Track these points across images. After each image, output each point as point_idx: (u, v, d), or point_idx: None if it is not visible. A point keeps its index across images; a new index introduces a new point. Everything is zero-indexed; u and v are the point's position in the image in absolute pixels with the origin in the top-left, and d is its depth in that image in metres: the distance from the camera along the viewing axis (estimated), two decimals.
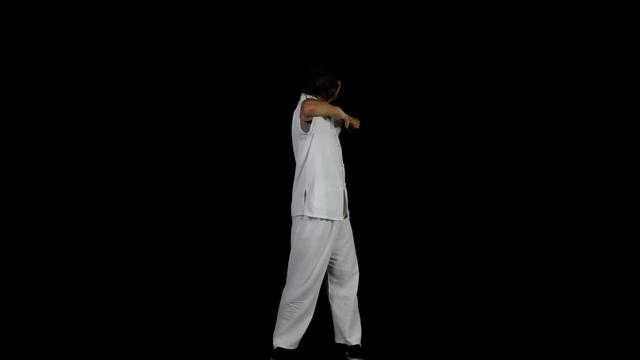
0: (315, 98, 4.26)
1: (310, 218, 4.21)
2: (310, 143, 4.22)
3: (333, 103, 4.44)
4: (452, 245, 5.75)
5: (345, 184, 4.34)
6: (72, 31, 5.61)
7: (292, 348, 4.30)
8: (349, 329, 4.40)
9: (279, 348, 4.30)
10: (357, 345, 4.41)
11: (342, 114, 4.23)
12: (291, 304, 4.25)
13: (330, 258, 4.32)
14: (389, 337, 4.95)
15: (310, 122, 4.20)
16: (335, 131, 4.37)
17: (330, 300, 4.39)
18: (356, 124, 4.31)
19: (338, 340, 4.42)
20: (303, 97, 4.33)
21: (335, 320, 4.40)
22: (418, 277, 5.68)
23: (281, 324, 4.29)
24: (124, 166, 5.70)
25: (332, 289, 4.37)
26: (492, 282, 5.64)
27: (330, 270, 4.35)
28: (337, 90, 4.35)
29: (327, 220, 4.21)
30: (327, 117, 4.29)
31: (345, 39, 5.64)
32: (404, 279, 5.67)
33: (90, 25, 5.62)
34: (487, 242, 5.71)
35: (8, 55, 5.58)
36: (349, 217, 4.36)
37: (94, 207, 5.69)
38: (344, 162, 4.37)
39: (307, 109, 4.15)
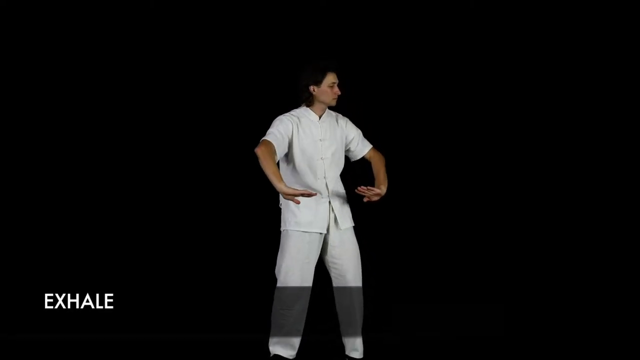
0: (271, 136, 4.20)
1: (285, 230, 4.33)
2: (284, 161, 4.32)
3: (335, 109, 4.46)
4: (454, 251, 5.73)
5: (337, 197, 4.36)
6: (71, 31, 5.59)
7: (290, 357, 4.35)
8: (352, 342, 4.42)
9: (275, 355, 4.34)
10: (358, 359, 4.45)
11: (276, 186, 4.04)
12: (282, 311, 4.30)
13: (331, 268, 4.39)
14: (391, 343, 4.97)
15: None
16: (327, 143, 4.36)
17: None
18: (371, 196, 4.25)
19: (347, 352, 4.46)
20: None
21: (341, 331, 4.44)
22: (421, 282, 5.68)
23: (276, 332, 4.33)
24: (120, 168, 5.68)
25: (336, 300, 4.40)
26: (495, 285, 5.63)
27: (333, 281, 4.40)
28: (311, 97, 4.34)
29: (302, 231, 4.29)
30: (307, 132, 4.32)
31: (345, 39, 5.63)
32: (407, 284, 5.67)
33: (88, 24, 5.60)
34: (491, 247, 5.70)
35: (8, 56, 5.57)
36: (349, 229, 4.40)
37: (89, 209, 5.67)
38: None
39: (256, 149, 4.13)
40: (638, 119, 5.60)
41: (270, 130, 4.24)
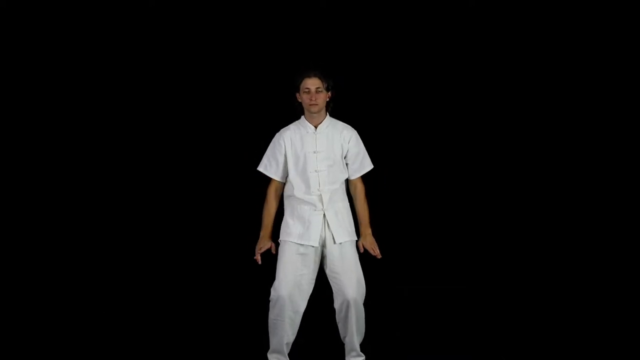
0: (268, 175, 4.41)
1: (280, 240, 4.36)
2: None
3: (336, 114, 4.45)
4: (454, 256, 5.73)
5: (333, 210, 4.32)
6: (72, 31, 5.60)
7: None
8: (350, 351, 4.41)
9: None
10: None
11: (259, 239, 4.37)
12: (274, 320, 4.31)
13: (331, 281, 4.35)
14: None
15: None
16: (323, 155, 4.32)
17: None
18: (369, 247, 4.35)
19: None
20: None
21: (342, 339, 4.44)
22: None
23: (271, 340, 4.37)
24: (120, 169, 5.68)
25: (336, 312, 4.38)
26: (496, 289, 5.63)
27: (334, 294, 4.36)
28: (301, 106, 4.34)
29: (294, 243, 4.29)
30: (301, 144, 4.34)
31: (346, 40, 5.63)
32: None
33: (88, 24, 5.61)
34: (492, 255, 5.70)
35: (8, 56, 5.58)
36: (348, 242, 4.34)
37: (89, 209, 5.67)
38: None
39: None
40: (638, 119, 5.60)
41: (264, 158, 4.41)
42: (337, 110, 4.49)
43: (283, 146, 4.35)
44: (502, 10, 5.63)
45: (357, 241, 4.39)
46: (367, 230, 4.37)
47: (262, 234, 4.37)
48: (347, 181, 4.44)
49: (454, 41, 5.67)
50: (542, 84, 5.67)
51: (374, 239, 4.37)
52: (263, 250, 4.35)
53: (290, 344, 4.37)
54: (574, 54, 5.62)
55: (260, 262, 4.34)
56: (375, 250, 4.35)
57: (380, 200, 4.64)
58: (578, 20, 5.58)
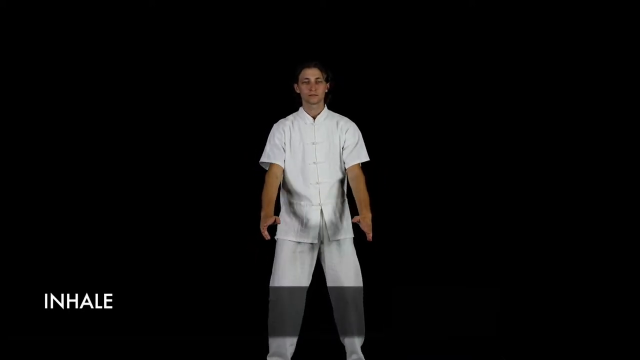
0: (273, 162, 4.24)
1: (277, 238, 4.24)
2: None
3: (334, 107, 4.42)
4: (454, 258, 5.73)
5: (331, 205, 4.22)
6: (71, 31, 5.60)
7: None
8: (350, 350, 4.31)
9: None
10: None
11: (262, 218, 4.08)
12: (273, 323, 4.21)
13: (327, 279, 4.27)
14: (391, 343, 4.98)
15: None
16: (321, 146, 4.25)
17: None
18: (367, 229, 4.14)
19: (347, 358, 4.38)
20: None
21: (340, 339, 4.37)
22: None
23: (271, 342, 4.24)
24: (120, 169, 5.67)
25: (333, 311, 4.30)
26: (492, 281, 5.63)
27: (330, 292, 4.28)
28: (300, 97, 4.28)
29: (291, 241, 4.20)
30: (299, 136, 4.25)
31: (346, 40, 5.63)
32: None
33: (88, 24, 5.61)
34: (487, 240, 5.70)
35: (8, 55, 5.58)
36: (346, 240, 4.25)
37: (89, 209, 5.67)
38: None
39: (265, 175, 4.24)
40: (638, 119, 5.60)
41: (266, 147, 4.27)
42: (338, 109, 4.48)
43: (283, 134, 4.25)
44: (502, 10, 5.63)
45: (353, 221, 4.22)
46: (367, 213, 4.13)
47: (263, 213, 4.09)
48: (347, 176, 4.32)
49: (453, 41, 5.67)
50: (542, 83, 5.67)
51: (371, 224, 4.12)
52: (268, 224, 4.08)
53: (294, 346, 4.25)
54: (574, 54, 5.62)
55: (269, 237, 4.10)
56: (369, 233, 4.09)
57: (380, 199, 4.61)
58: (578, 20, 5.59)
